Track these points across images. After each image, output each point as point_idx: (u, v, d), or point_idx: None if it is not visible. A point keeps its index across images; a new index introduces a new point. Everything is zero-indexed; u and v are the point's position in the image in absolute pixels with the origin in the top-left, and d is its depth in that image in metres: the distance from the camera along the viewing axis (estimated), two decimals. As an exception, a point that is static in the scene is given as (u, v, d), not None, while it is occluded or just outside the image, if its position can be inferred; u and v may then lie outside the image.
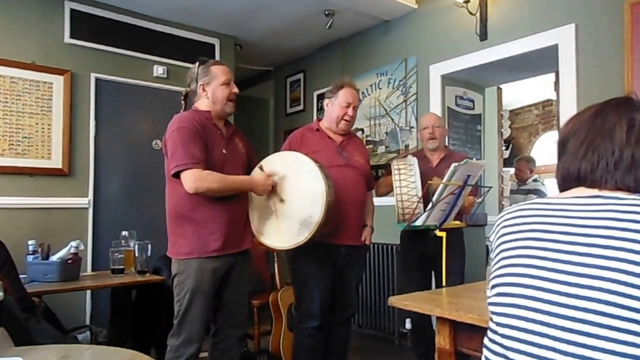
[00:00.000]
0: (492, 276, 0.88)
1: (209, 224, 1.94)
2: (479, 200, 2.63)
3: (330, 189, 1.96)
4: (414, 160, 2.37)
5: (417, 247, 2.60)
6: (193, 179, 1.86)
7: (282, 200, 2.04)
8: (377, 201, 2.58)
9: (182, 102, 2.12)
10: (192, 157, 1.87)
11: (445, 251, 2.13)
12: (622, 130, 0.85)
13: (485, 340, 0.87)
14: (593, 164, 0.86)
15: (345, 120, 2.34)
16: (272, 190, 2.04)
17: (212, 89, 2.02)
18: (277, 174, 2.05)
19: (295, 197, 2.01)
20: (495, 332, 0.84)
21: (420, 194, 2.21)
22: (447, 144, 2.87)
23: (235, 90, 2.06)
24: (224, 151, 2.01)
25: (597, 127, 0.88)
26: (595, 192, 0.85)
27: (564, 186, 0.92)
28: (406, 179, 2.28)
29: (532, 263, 0.81)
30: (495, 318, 0.84)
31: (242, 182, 2.00)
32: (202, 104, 2.05)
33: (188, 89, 2.10)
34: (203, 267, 1.93)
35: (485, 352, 0.87)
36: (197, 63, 2.06)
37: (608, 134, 0.86)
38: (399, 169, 2.33)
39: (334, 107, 2.35)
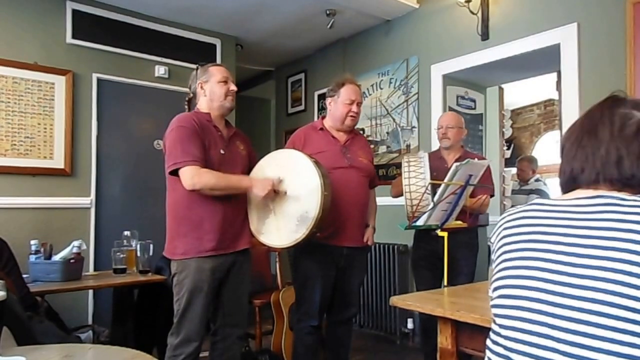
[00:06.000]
0: (494, 278, 0.89)
1: (204, 223, 1.95)
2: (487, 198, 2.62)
3: (325, 184, 1.95)
4: (424, 154, 2.37)
5: (429, 246, 2.59)
6: (190, 175, 1.88)
7: (280, 198, 2.03)
8: (380, 201, 2.58)
9: (186, 106, 2.14)
10: (190, 154, 1.89)
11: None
12: (604, 126, 0.86)
13: (488, 342, 0.88)
14: (583, 164, 0.87)
15: (351, 117, 2.33)
16: (273, 193, 2.01)
17: (209, 87, 2.05)
18: (278, 177, 2.02)
19: (292, 193, 2.00)
20: (498, 334, 0.84)
21: (429, 186, 2.19)
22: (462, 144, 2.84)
23: (233, 88, 2.07)
24: (222, 151, 2.01)
25: (585, 127, 0.90)
26: (596, 192, 0.84)
27: (564, 189, 0.93)
28: (415, 169, 2.26)
29: (534, 265, 0.81)
30: (498, 320, 0.85)
31: (240, 180, 1.99)
32: (202, 103, 2.08)
33: (190, 94, 2.12)
34: (201, 266, 1.94)
35: (488, 353, 0.87)
36: (197, 66, 2.10)
37: (593, 132, 0.87)
38: (409, 163, 2.31)
39: (338, 105, 2.34)
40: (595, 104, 0.92)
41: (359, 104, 2.35)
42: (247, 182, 2.00)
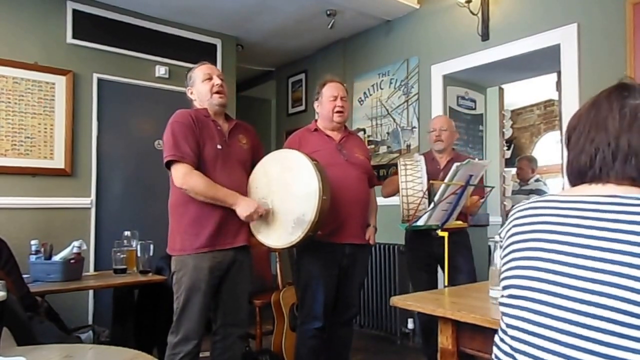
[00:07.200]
0: (503, 275, 0.87)
1: (202, 219, 1.96)
2: (481, 200, 2.62)
3: (324, 188, 1.95)
4: (420, 157, 2.38)
5: (424, 247, 2.59)
6: (182, 174, 1.90)
7: (278, 199, 2.03)
8: (380, 201, 2.58)
9: None
10: (180, 150, 1.91)
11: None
12: (614, 119, 0.82)
13: (496, 339, 0.87)
14: (591, 157, 0.83)
15: (338, 112, 2.34)
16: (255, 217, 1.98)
17: (196, 90, 2.10)
18: (268, 208, 2.01)
19: (290, 195, 2.00)
20: (505, 333, 0.83)
21: (425, 190, 2.20)
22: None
23: (217, 82, 2.07)
24: (218, 146, 2.02)
25: (592, 119, 0.86)
26: (610, 189, 0.81)
27: (572, 182, 0.89)
28: (412, 174, 2.26)
29: (544, 266, 0.78)
30: (506, 319, 0.83)
31: (226, 196, 1.95)
32: (197, 106, 2.12)
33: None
34: (199, 265, 1.94)
35: (495, 350, 0.86)
36: (186, 74, 2.16)
37: (602, 125, 0.83)
38: (405, 166, 2.32)
39: (323, 104, 2.37)
40: (602, 92, 0.88)
41: (342, 98, 2.36)
42: (233, 200, 1.96)
